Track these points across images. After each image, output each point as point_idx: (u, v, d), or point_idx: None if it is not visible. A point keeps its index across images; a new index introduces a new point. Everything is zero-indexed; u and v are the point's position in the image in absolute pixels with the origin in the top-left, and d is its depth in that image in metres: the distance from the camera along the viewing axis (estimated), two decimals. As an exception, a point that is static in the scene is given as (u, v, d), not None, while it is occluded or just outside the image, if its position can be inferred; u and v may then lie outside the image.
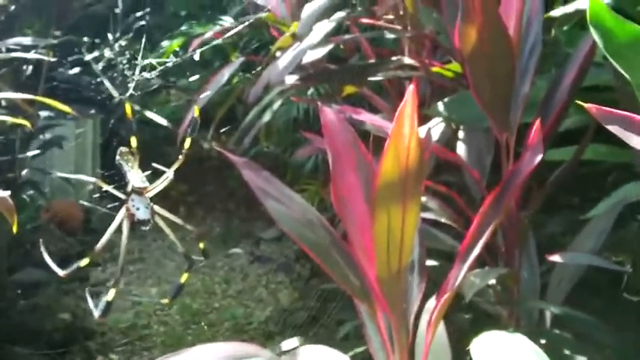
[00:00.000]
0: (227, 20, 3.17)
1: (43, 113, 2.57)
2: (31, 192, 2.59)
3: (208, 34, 2.41)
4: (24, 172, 2.53)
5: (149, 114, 0.89)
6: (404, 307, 1.12)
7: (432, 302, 1.16)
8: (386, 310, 1.11)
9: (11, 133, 2.47)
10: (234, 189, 3.74)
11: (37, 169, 2.59)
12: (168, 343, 2.56)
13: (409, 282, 1.14)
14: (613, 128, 0.93)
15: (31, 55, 2.39)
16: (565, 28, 1.61)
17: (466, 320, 1.53)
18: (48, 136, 2.64)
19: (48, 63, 2.60)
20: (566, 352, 1.30)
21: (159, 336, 2.62)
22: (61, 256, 2.92)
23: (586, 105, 0.95)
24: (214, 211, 3.67)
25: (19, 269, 2.68)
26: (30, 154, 2.55)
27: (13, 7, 2.66)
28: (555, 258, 1.36)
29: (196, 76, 3.29)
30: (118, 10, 2.71)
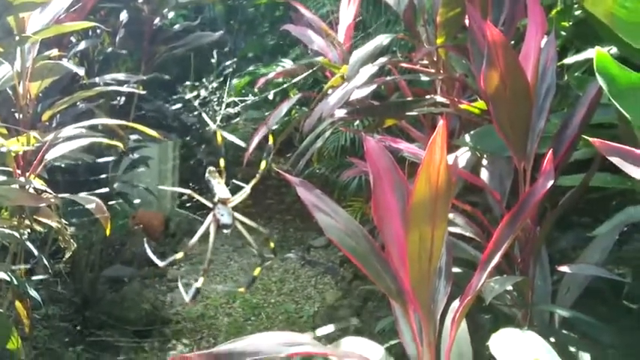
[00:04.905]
0: (287, 63, 3.22)
1: (133, 137, 2.63)
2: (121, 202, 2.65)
3: (271, 75, 2.51)
4: (116, 185, 2.58)
5: (229, 136, 0.94)
6: (432, 306, 1.13)
7: (456, 303, 1.17)
8: (416, 309, 1.12)
9: (106, 153, 2.54)
10: (290, 203, 3.78)
11: (126, 182, 2.64)
12: (232, 332, 2.59)
13: (437, 285, 1.15)
14: (614, 159, 0.93)
15: (124, 88, 2.46)
16: (576, 74, 1.61)
17: (486, 320, 1.53)
18: (136, 155, 2.70)
19: (137, 95, 2.68)
20: (572, 349, 1.29)
21: (223, 325, 2.66)
22: (146, 256, 2.97)
23: (591, 139, 0.96)
24: (273, 221, 3.70)
25: (109, 266, 2.74)
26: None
27: (109, 49, 2.75)
28: (564, 268, 1.36)
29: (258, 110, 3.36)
30: (213, 60, 2.81)
